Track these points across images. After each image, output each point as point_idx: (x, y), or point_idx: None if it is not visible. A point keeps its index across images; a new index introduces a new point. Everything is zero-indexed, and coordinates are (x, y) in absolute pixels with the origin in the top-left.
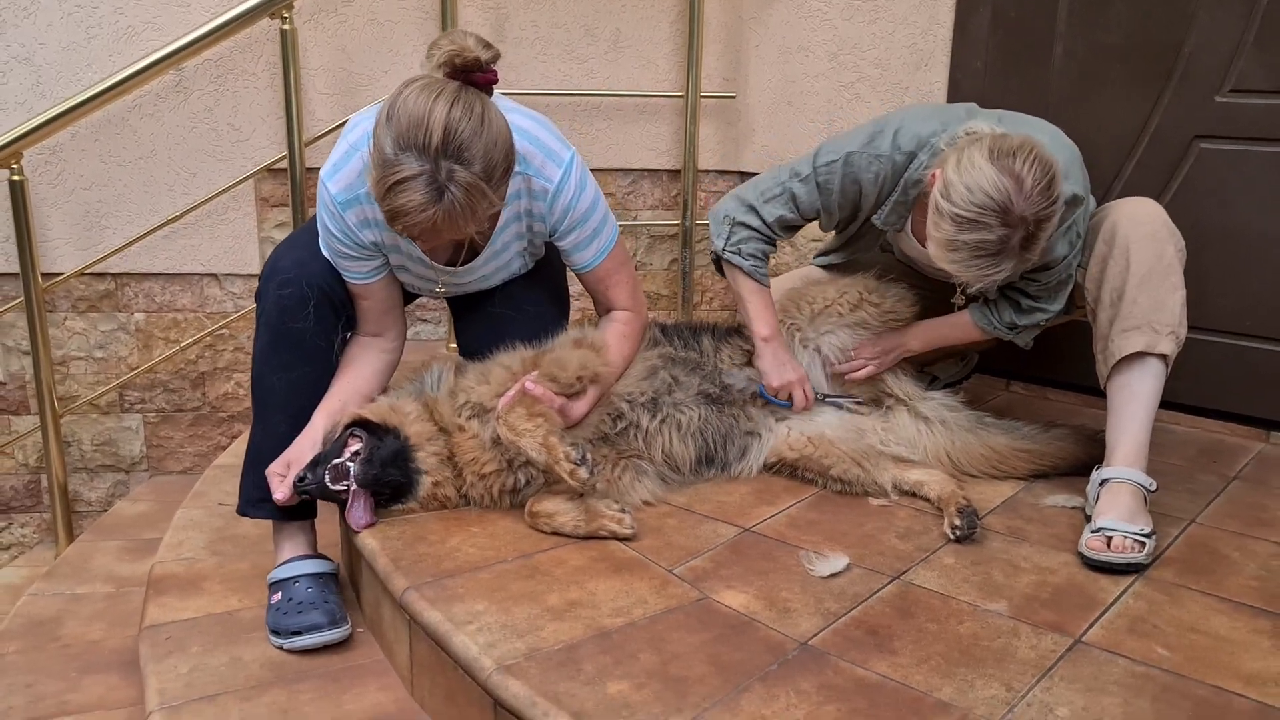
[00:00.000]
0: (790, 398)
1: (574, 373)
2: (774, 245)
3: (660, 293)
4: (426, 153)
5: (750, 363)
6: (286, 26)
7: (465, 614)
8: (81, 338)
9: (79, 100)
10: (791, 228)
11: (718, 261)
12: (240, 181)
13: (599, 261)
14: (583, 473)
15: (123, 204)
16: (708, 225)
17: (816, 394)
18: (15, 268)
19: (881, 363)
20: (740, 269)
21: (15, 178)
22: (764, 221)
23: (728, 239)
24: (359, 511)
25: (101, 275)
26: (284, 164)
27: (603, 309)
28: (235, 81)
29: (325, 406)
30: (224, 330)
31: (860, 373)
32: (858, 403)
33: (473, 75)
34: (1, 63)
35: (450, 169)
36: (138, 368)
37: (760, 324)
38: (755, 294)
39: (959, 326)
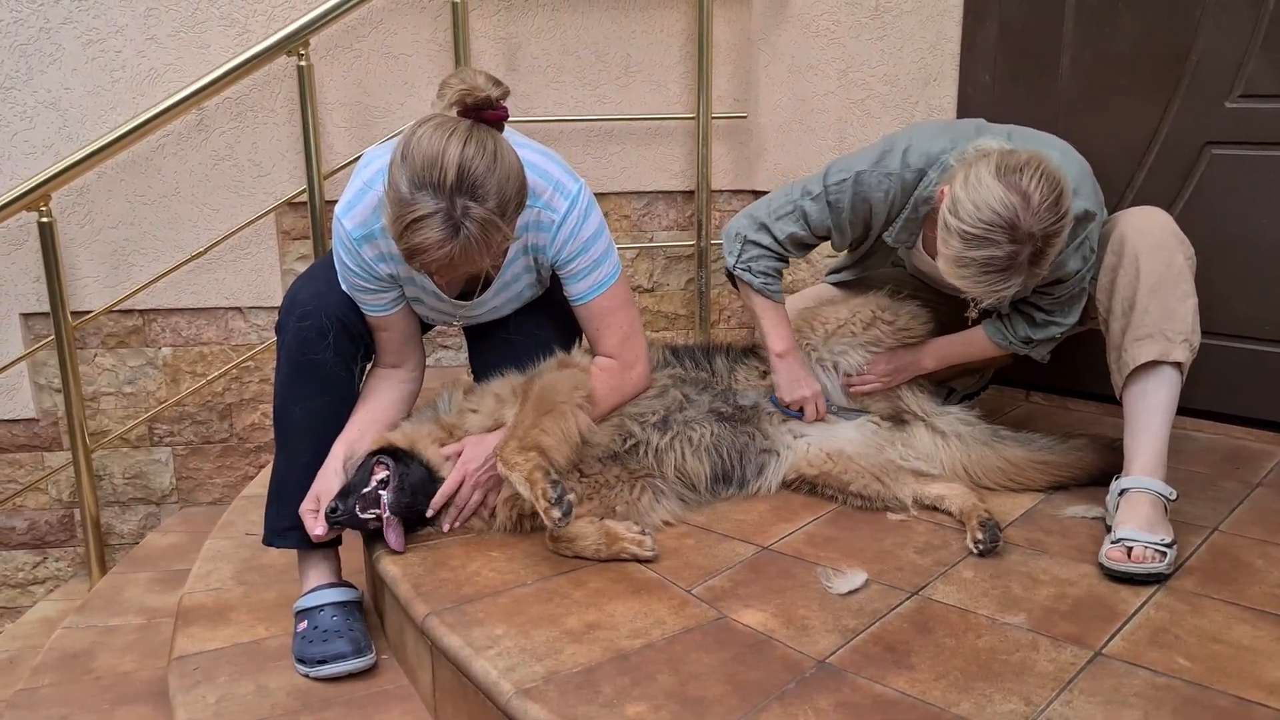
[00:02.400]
0: (802, 409)
1: (567, 394)
2: (786, 262)
3: (678, 312)
4: (442, 190)
5: (765, 380)
6: (303, 63)
7: (485, 638)
8: (111, 373)
9: (104, 142)
10: (804, 245)
11: (731, 277)
12: (261, 216)
13: (594, 296)
14: (555, 512)
15: (148, 241)
16: (722, 244)
17: (832, 407)
18: (46, 307)
19: (891, 380)
20: (751, 286)
21: (44, 219)
22: (775, 239)
23: (739, 256)
24: (395, 537)
25: (129, 312)
26: (304, 198)
27: (594, 354)
28: (255, 119)
29: (344, 436)
30: (249, 362)
31: (866, 388)
32: (870, 419)
33: (483, 113)
34: (29, 108)
35: (465, 205)
36: (166, 401)
37: (774, 339)
38: (768, 310)
39: (974, 344)
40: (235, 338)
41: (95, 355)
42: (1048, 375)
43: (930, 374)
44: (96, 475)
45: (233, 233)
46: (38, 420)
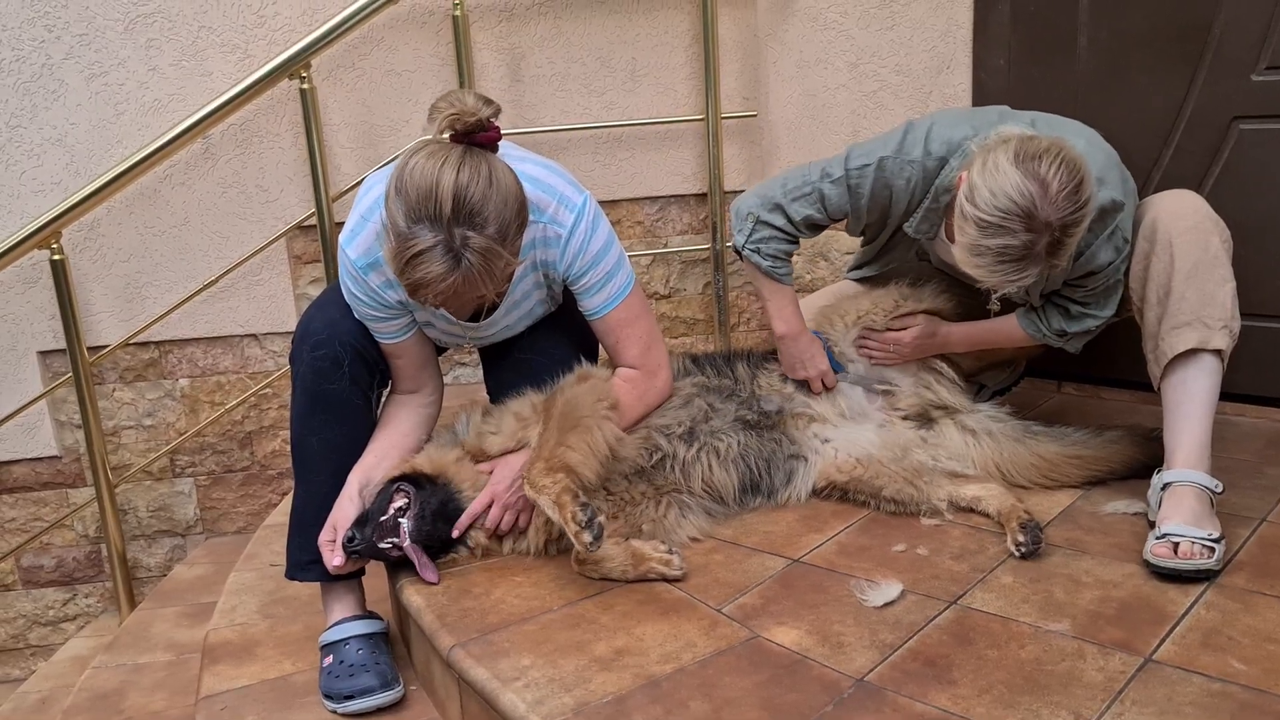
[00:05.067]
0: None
1: (591, 407)
2: (797, 244)
3: (696, 317)
4: (439, 222)
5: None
6: (305, 86)
7: (512, 669)
8: (130, 407)
9: (112, 176)
10: (817, 228)
11: (739, 251)
12: (272, 241)
13: (610, 309)
14: (586, 536)
15: (161, 273)
16: (732, 246)
17: (848, 376)
18: (62, 344)
19: (915, 353)
20: (759, 268)
21: (56, 257)
22: (790, 220)
23: (749, 236)
24: (426, 570)
25: (145, 344)
26: (313, 221)
27: (614, 366)
28: (260, 144)
29: (361, 464)
30: (267, 389)
31: (890, 360)
32: (885, 387)
33: (475, 136)
34: (35, 146)
35: (465, 235)
36: (186, 432)
37: (777, 322)
38: (775, 293)
39: (1004, 331)
40: (252, 365)
41: (114, 390)
42: (1079, 365)
43: (959, 365)
44: (121, 510)
45: (244, 260)
46: (60, 457)
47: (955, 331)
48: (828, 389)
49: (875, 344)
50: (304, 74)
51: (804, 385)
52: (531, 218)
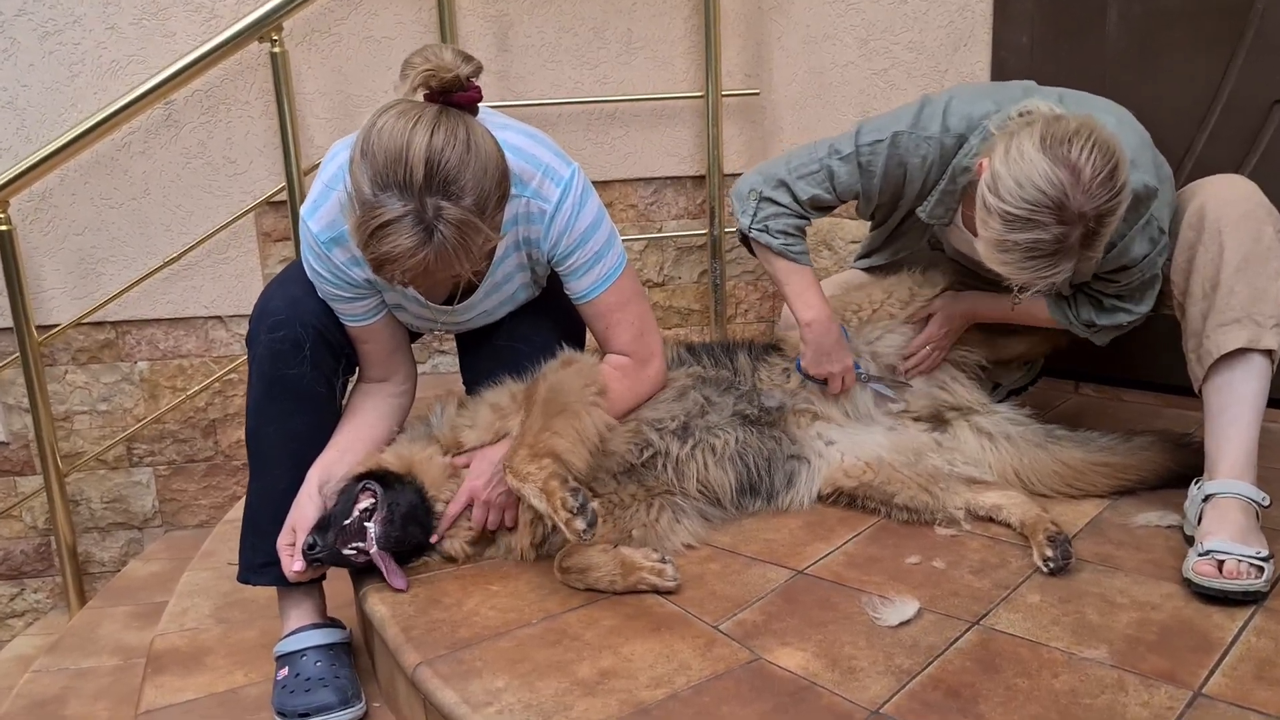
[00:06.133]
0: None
1: (579, 392)
2: (808, 220)
3: (691, 307)
4: (409, 190)
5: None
6: (277, 50)
7: (484, 692)
8: (84, 391)
9: (65, 141)
10: (824, 208)
11: (745, 240)
12: (239, 217)
13: (600, 292)
14: (579, 523)
15: (118, 248)
16: (735, 233)
17: (862, 375)
18: (9, 322)
19: (948, 338)
20: (770, 248)
21: (3, 228)
22: (795, 199)
23: (755, 215)
24: (394, 576)
25: (100, 324)
26: (283, 196)
27: (603, 353)
28: (227, 112)
29: (321, 459)
30: (233, 374)
31: (926, 364)
32: (899, 384)
33: (453, 95)
34: None
35: (438, 205)
36: (144, 419)
37: (800, 307)
38: (792, 274)
39: (1029, 309)
40: (217, 349)
41: (66, 372)
42: (1099, 364)
43: (977, 353)
44: (73, 500)
45: (209, 236)
46: (8, 444)
47: (982, 301)
48: (845, 389)
49: (918, 359)
50: (275, 37)
51: (819, 384)
52: (514, 191)
